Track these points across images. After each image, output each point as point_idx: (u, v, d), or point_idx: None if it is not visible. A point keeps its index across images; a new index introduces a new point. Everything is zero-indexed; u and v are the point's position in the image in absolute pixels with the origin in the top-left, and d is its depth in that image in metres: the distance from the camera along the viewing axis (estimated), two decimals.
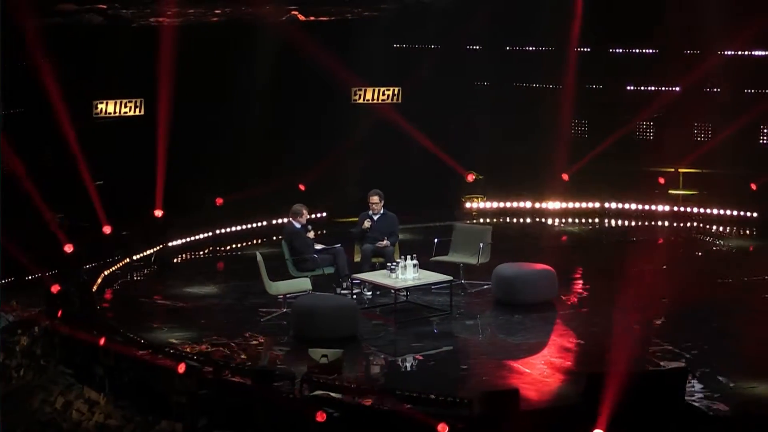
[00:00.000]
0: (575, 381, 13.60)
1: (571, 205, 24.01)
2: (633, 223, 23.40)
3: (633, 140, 25.46)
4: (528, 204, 24.16)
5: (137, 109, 23.43)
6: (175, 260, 20.73)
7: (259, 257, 16.83)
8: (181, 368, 13.69)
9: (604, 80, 25.78)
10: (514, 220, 23.88)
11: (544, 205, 24.07)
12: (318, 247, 17.80)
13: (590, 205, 24.00)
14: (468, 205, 24.26)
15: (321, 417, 12.68)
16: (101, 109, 23.07)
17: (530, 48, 26.34)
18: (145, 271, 19.90)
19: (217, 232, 21.80)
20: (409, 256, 17.00)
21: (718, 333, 15.93)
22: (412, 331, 16.35)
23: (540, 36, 25.55)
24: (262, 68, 23.72)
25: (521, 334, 16.13)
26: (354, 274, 17.53)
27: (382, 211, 18.25)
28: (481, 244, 18.07)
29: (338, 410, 12.74)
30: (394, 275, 16.85)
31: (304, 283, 16.90)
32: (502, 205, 24.23)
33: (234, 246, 21.59)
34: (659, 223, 23.28)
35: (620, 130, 24.95)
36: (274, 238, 21.49)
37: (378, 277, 17.12)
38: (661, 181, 24.37)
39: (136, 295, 18.47)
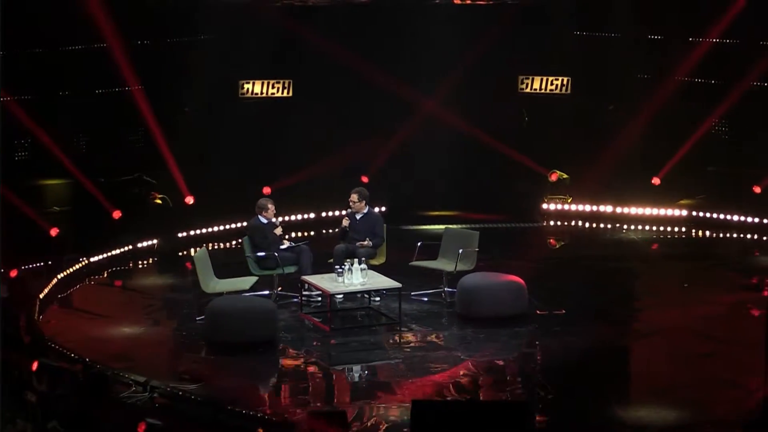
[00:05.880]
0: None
1: (655, 211, 22.03)
2: (710, 235, 21.27)
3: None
4: (609, 208, 22.36)
5: (285, 91, 23.21)
6: (181, 252, 19.90)
7: (200, 253, 16.10)
8: (34, 365, 13.17)
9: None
10: (586, 225, 22.17)
11: (626, 210, 22.20)
12: (284, 245, 16.90)
13: (677, 212, 21.98)
14: (545, 206, 22.70)
15: (141, 428, 11.97)
16: (247, 89, 22.98)
17: (715, 40, 23.83)
18: (144, 261, 19.41)
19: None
20: (356, 260, 15.92)
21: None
22: (345, 339, 15.33)
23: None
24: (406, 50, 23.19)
25: (451, 351, 14.69)
26: (305, 275, 16.48)
27: (365, 211, 17.20)
28: (461, 250, 16.71)
29: (162, 421, 12.02)
30: (340, 279, 15.79)
31: (244, 282, 16.01)
32: (585, 208, 22.56)
33: None
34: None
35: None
36: (310, 233, 20.88)
37: (322, 280, 16.06)
38: (757, 189, 21.90)
39: (103, 284, 18.12)
